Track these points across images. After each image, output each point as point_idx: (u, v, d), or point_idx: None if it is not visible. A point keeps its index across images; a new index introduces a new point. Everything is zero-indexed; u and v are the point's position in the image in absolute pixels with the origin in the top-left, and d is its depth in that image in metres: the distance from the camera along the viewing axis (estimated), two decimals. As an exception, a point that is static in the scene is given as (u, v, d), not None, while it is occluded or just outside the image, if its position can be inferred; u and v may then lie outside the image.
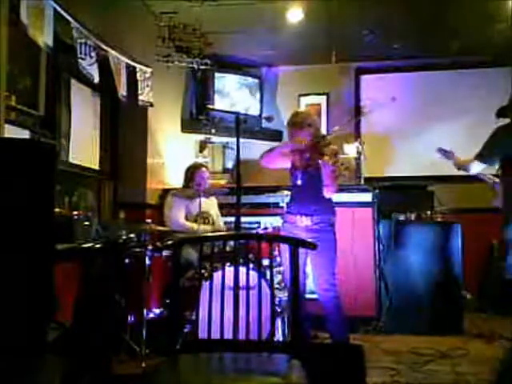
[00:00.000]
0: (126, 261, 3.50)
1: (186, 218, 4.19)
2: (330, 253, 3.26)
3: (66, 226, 3.14)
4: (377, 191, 4.83)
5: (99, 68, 3.68)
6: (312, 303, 3.36)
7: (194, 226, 4.02)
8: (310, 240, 3.14)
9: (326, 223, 3.30)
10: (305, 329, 3.27)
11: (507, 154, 3.59)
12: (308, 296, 3.43)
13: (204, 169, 4.39)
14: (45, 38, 3.03)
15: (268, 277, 3.18)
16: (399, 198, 4.72)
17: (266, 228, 3.98)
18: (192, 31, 4.97)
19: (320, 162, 3.18)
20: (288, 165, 3.42)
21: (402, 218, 4.81)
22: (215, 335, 1.91)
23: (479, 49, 5.46)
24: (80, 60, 3.47)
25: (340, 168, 3.05)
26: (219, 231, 4.14)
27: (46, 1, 3.06)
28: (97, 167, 4.50)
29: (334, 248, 3.29)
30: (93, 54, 3.60)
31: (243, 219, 3.35)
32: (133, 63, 4.23)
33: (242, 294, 1.94)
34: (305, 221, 3.29)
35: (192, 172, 4.32)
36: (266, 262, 3.55)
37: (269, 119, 4.08)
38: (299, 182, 3.34)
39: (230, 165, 6.19)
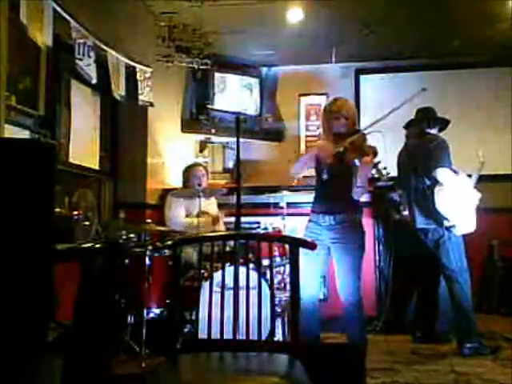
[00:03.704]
0: (126, 261, 3.50)
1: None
2: (354, 254, 3.12)
3: (65, 226, 3.14)
4: (377, 191, 4.83)
5: (99, 68, 3.68)
6: (319, 304, 3.35)
7: (194, 220, 4.02)
8: (333, 240, 3.11)
9: (351, 223, 3.14)
10: (315, 330, 3.23)
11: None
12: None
13: (201, 168, 4.40)
14: (44, 38, 3.03)
15: (268, 277, 3.18)
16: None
17: (265, 228, 3.98)
18: (192, 31, 4.98)
19: (357, 161, 2.98)
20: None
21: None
22: (215, 335, 1.91)
23: (479, 49, 5.46)
24: (78, 60, 3.47)
25: (381, 173, 2.90)
26: (220, 230, 4.14)
27: (45, 1, 3.06)
28: (97, 167, 4.50)
29: (360, 249, 3.14)
30: (91, 54, 3.59)
31: (243, 219, 3.34)
32: (133, 63, 4.22)
33: (242, 293, 1.94)
34: (328, 220, 3.14)
35: (189, 172, 4.34)
36: (266, 262, 3.54)
37: (268, 119, 4.06)
38: (325, 177, 3.14)
39: (230, 165, 6.19)
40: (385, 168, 2.94)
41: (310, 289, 3.14)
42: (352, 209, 3.17)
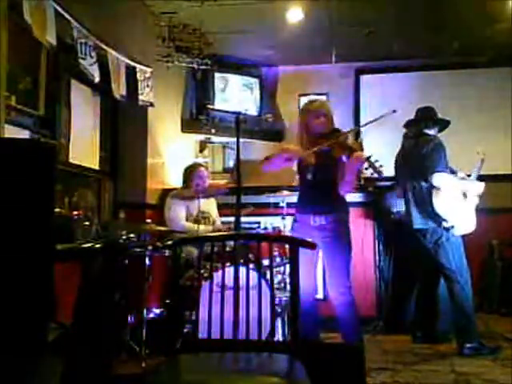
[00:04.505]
0: (126, 261, 3.50)
1: (187, 219, 4.19)
2: (344, 253, 3.14)
3: (65, 226, 3.14)
4: (376, 191, 4.84)
5: (100, 68, 3.68)
6: (319, 304, 3.34)
7: (195, 226, 4.01)
8: (323, 240, 3.11)
9: (340, 222, 3.15)
10: (314, 330, 3.23)
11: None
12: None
13: (202, 168, 4.39)
14: (49, 37, 3.04)
15: (268, 277, 3.17)
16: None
17: (265, 228, 3.97)
18: (192, 31, 4.98)
19: (345, 157, 3.00)
20: (292, 165, 3.25)
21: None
22: (215, 335, 1.91)
23: (479, 49, 5.46)
24: (81, 60, 3.48)
25: (374, 166, 2.89)
26: (219, 231, 4.13)
27: (46, 1, 3.06)
28: (97, 167, 4.50)
29: (348, 248, 3.16)
30: (93, 53, 3.60)
31: (243, 219, 3.33)
32: (133, 63, 4.23)
33: (242, 293, 1.94)
34: (318, 220, 3.14)
35: (190, 172, 4.32)
36: (266, 262, 3.54)
37: (268, 119, 4.05)
38: (310, 177, 3.16)
39: (230, 165, 6.20)
40: (377, 161, 2.94)
41: (307, 288, 3.14)
42: (341, 208, 3.20)
